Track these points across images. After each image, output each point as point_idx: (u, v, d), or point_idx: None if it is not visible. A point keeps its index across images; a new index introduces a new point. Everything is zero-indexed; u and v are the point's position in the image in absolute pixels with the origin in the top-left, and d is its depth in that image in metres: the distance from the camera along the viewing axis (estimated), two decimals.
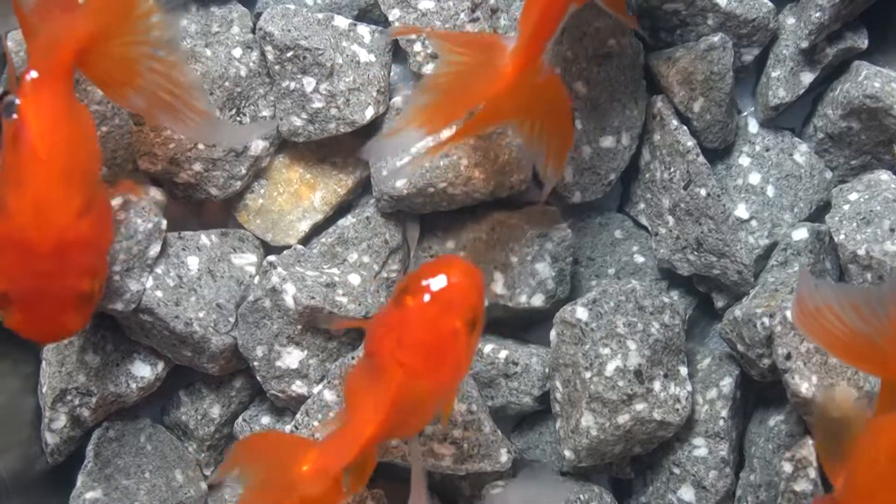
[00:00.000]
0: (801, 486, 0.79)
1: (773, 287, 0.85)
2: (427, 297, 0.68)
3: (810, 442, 0.79)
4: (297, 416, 0.84)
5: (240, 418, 0.89)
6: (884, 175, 0.88)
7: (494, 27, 0.86)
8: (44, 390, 0.84)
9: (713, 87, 0.87)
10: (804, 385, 0.78)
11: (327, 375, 0.84)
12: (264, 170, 0.90)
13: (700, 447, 0.85)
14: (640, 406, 0.82)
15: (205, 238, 0.87)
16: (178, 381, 0.89)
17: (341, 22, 0.87)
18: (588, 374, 0.82)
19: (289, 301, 0.83)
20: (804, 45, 0.87)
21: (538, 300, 0.87)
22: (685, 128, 0.86)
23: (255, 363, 0.85)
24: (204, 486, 0.90)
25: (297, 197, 0.90)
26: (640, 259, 0.92)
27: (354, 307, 0.84)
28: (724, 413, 0.85)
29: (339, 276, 0.85)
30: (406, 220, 0.90)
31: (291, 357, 0.85)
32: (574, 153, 0.87)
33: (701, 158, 0.86)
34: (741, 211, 0.90)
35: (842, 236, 0.84)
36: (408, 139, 0.73)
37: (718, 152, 0.91)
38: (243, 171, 0.88)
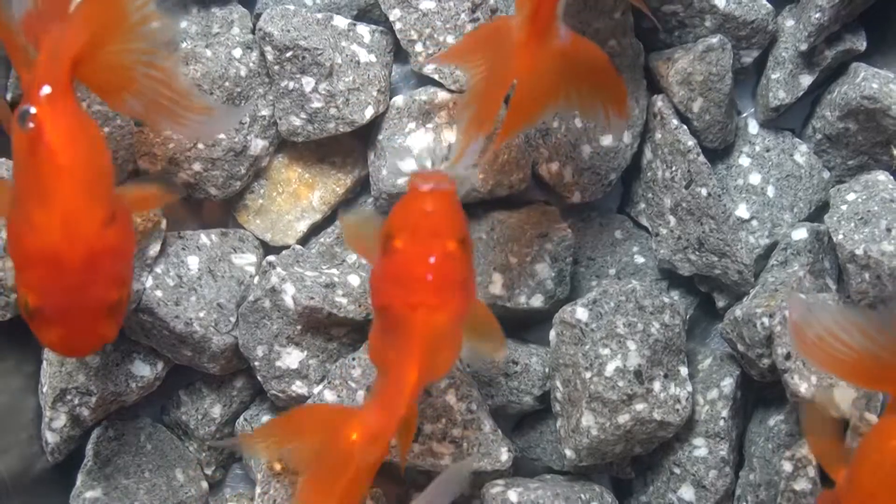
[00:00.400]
0: (801, 485, 0.79)
1: (773, 287, 0.85)
2: (412, 234, 0.68)
3: None
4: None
5: (241, 418, 0.89)
6: (881, 176, 0.88)
7: None
8: (44, 390, 0.84)
9: (712, 87, 0.87)
10: (804, 385, 0.78)
11: (327, 376, 0.84)
12: (264, 170, 0.90)
13: (700, 447, 0.85)
14: (640, 406, 0.82)
15: (205, 238, 0.87)
16: (178, 381, 0.89)
17: (340, 22, 0.87)
18: (588, 375, 0.82)
19: (288, 301, 0.83)
20: (803, 47, 0.87)
21: (537, 300, 0.88)
22: (685, 127, 0.86)
23: (256, 363, 0.85)
24: (205, 485, 0.90)
25: (295, 197, 0.90)
26: (640, 259, 0.92)
27: (354, 308, 0.84)
28: (724, 413, 0.85)
29: (339, 277, 0.84)
30: None
31: (291, 357, 0.85)
32: (574, 153, 0.87)
33: (701, 158, 0.86)
34: (742, 211, 0.90)
35: (840, 236, 0.84)
36: (474, 149, 0.72)
37: (718, 153, 0.91)
38: (243, 171, 0.88)
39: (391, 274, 0.68)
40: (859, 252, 0.82)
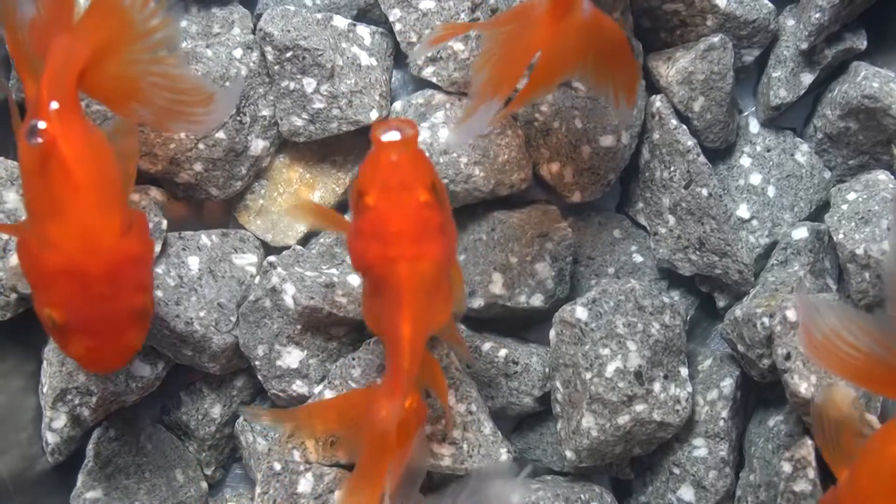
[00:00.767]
0: (801, 486, 0.78)
1: (773, 286, 0.85)
2: (382, 189, 0.67)
3: (810, 442, 0.79)
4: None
5: (241, 418, 0.89)
6: (881, 175, 0.88)
7: None
8: (44, 390, 0.84)
9: (713, 86, 0.87)
10: (804, 385, 0.78)
11: (328, 375, 0.84)
12: (265, 170, 0.90)
13: (700, 447, 0.85)
14: (640, 407, 0.82)
15: (205, 238, 0.87)
16: (178, 381, 0.89)
17: (340, 22, 0.87)
18: (588, 375, 0.82)
19: (288, 301, 0.83)
20: (804, 46, 0.87)
21: (537, 300, 0.88)
22: (685, 127, 0.86)
23: (257, 362, 0.85)
24: (204, 485, 0.90)
25: (296, 197, 0.90)
26: (638, 258, 0.92)
27: (354, 308, 0.84)
28: (724, 414, 0.85)
29: (339, 277, 0.85)
30: None
31: (291, 357, 0.85)
32: (574, 153, 0.87)
33: (701, 158, 0.86)
34: (742, 211, 0.90)
35: (840, 235, 0.84)
36: (487, 113, 0.71)
37: (720, 152, 0.91)
38: (244, 171, 0.88)
39: (367, 232, 0.68)
40: (860, 251, 0.82)
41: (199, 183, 0.87)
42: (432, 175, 0.69)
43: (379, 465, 0.71)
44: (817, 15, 0.86)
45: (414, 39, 0.86)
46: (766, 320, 0.81)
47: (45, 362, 0.85)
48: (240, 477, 0.92)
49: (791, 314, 0.78)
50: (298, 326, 0.84)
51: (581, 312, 0.83)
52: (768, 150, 0.91)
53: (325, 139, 0.88)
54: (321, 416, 0.79)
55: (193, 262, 0.86)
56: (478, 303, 0.87)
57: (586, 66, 0.75)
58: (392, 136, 0.68)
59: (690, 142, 0.86)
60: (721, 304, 0.90)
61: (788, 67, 0.89)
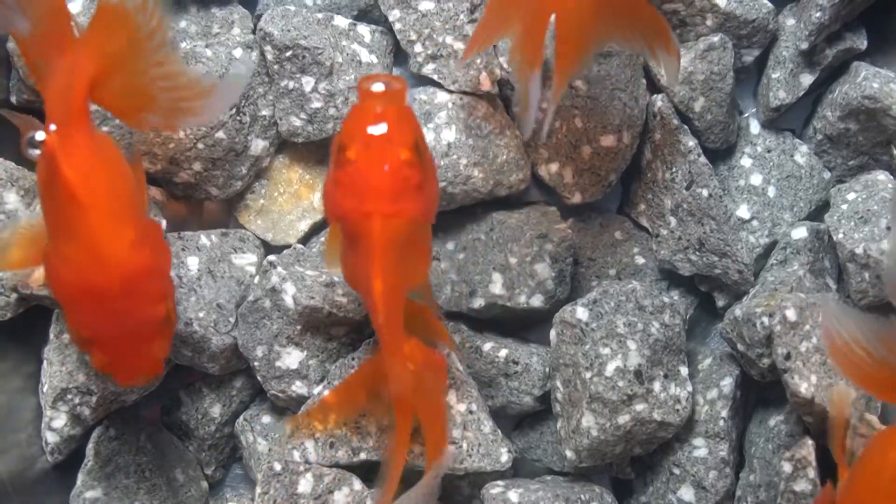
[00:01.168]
0: (801, 486, 0.78)
1: (772, 286, 0.85)
2: (364, 143, 0.67)
3: (810, 442, 0.79)
4: (298, 416, 0.84)
5: (240, 418, 0.89)
6: (881, 175, 0.88)
7: None
8: (44, 389, 0.84)
9: (713, 87, 0.87)
10: (804, 385, 0.78)
11: (327, 376, 0.84)
12: (265, 170, 0.90)
13: (700, 447, 0.85)
14: (640, 406, 0.82)
15: (204, 238, 0.87)
16: (177, 381, 0.89)
17: (341, 22, 0.87)
18: (588, 375, 0.82)
19: (288, 301, 0.83)
20: (804, 46, 0.87)
21: (537, 300, 0.87)
22: (686, 127, 0.86)
23: (256, 363, 0.85)
24: (205, 485, 0.90)
25: (297, 197, 0.90)
26: (640, 260, 0.92)
27: (354, 307, 0.84)
28: (724, 413, 0.85)
29: (339, 276, 0.85)
30: None
31: (291, 357, 0.85)
32: (574, 154, 0.87)
33: (702, 159, 0.86)
34: (743, 211, 0.90)
35: (840, 235, 0.84)
36: (535, 89, 0.71)
37: (720, 153, 0.91)
38: (244, 171, 0.88)
39: (345, 184, 0.68)
40: (859, 251, 0.82)
41: (198, 182, 0.87)
42: (417, 133, 0.69)
43: (407, 424, 0.73)
44: (818, 14, 0.86)
45: (413, 38, 0.86)
46: (765, 320, 0.81)
47: (45, 362, 0.85)
48: (240, 477, 0.92)
49: (791, 314, 0.78)
50: (298, 327, 0.84)
51: (582, 313, 0.83)
52: (769, 151, 0.91)
53: (324, 139, 0.88)
54: (349, 399, 0.79)
55: (193, 263, 0.86)
56: (478, 303, 0.87)
57: (609, 26, 0.73)
58: (378, 87, 0.67)
59: (692, 142, 0.86)
60: (721, 303, 0.90)
61: (787, 68, 0.89)
